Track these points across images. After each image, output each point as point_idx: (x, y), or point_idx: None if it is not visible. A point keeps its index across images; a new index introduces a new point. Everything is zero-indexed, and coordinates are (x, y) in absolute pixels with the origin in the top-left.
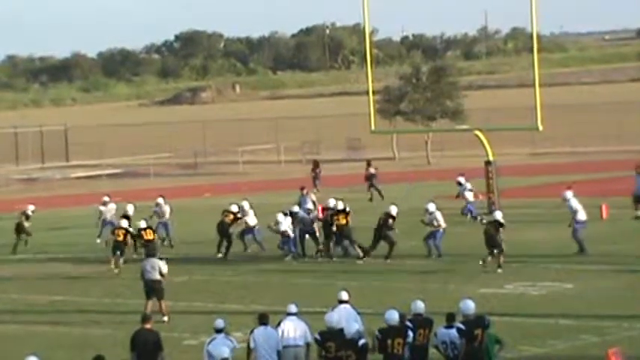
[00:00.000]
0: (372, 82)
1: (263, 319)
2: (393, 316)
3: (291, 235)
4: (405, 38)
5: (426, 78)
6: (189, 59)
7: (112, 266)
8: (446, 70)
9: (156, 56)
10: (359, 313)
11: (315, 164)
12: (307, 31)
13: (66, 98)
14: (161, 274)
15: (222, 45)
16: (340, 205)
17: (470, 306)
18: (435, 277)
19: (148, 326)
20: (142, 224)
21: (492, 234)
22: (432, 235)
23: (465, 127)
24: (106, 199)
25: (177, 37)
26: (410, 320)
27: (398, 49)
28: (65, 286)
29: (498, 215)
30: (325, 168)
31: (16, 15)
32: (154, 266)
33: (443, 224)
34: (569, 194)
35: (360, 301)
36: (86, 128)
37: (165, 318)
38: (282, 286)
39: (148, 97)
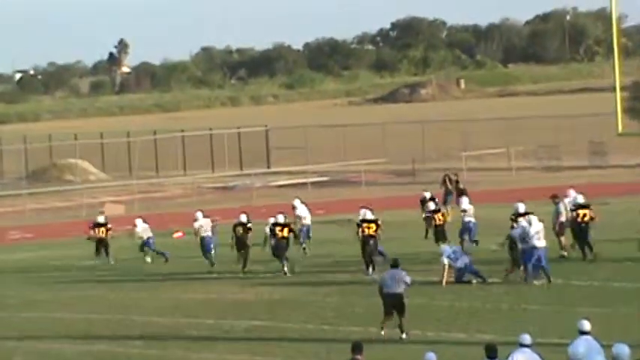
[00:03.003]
0: (620, 76)
1: (490, 352)
2: (623, 351)
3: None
4: None
5: None
6: (408, 50)
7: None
8: None
9: (369, 47)
10: (602, 347)
11: None
12: (544, 18)
13: (267, 95)
14: (406, 285)
15: (445, 34)
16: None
17: None
18: None
19: (358, 357)
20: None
21: None
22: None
23: None
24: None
25: (393, 25)
26: None
27: None
28: (265, 310)
29: None
30: (565, 176)
31: (214, 2)
32: (394, 277)
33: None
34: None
35: (603, 331)
36: (289, 129)
37: (404, 335)
38: (512, 312)
39: (360, 94)
